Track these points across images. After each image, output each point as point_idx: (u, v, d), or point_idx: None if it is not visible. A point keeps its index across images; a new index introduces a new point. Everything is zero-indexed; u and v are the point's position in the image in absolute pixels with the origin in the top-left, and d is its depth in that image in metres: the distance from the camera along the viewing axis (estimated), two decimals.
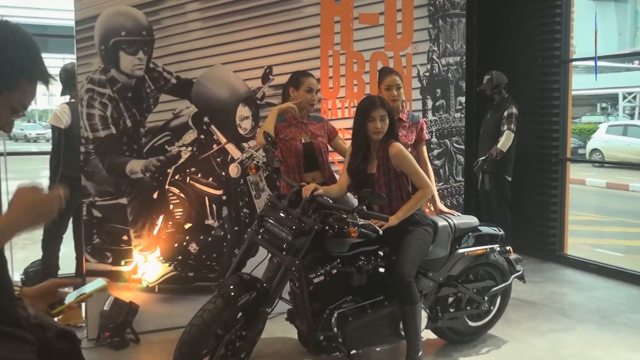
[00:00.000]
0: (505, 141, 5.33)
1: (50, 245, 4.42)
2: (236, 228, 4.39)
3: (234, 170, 4.35)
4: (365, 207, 3.12)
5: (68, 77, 4.43)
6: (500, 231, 4.01)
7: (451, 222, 3.73)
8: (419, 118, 4.20)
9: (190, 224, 4.30)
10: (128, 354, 3.88)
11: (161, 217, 4.20)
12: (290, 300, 3.50)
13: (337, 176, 3.93)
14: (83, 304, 3.84)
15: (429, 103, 5.16)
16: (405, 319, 3.38)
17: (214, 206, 4.33)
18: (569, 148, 6.28)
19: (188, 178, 4.26)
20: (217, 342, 3.05)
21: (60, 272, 4.60)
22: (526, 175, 6.16)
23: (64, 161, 4.29)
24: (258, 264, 3.37)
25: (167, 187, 4.20)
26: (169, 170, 4.18)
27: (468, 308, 3.87)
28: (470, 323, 3.96)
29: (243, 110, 4.37)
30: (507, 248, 4.00)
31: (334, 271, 3.28)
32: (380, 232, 3.29)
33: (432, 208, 4.12)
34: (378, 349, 3.66)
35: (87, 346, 3.89)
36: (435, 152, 5.24)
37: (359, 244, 3.35)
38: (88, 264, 4.06)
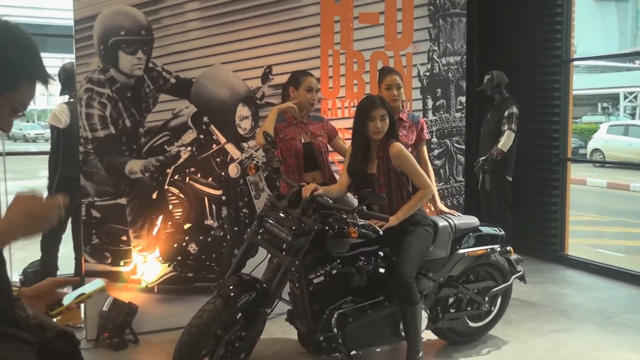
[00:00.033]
0: (505, 141, 5.31)
1: (49, 245, 4.41)
2: (236, 228, 4.38)
3: (233, 170, 4.33)
4: (365, 207, 3.11)
5: (67, 77, 4.41)
6: (500, 231, 4.00)
7: (452, 223, 3.72)
8: (419, 118, 4.18)
9: (190, 224, 4.28)
10: (127, 355, 3.86)
11: (160, 218, 4.19)
12: (290, 300, 3.49)
13: (337, 176, 3.91)
14: (82, 305, 3.83)
15: (430, 103, 5.15)
16: (405, 320, 3.37)
17: (213, 206, 4.32)
18: (569, 148, 6.27)
19: (187, 178, 4.25)
20: (217, 343, 3.04)
21: (59, 273, 4.58)
22: (527, 175, 6.15)
23: (62, 161, 4.28)
24: (258, 265, 3.36)
25: (166, 187, 4.18)
26: (168, 171, 4.17)
27: (468, 309, 3.86)
28: (471, 324, 3.95)
29: (242, 110, 4.36)
30: (508, 248, 3.99)
31: (334, 272, 3.27)
32: (381, 232, 3.28)
33: (432, 208, 4.10)
34: (378, 350, 3.65)
35: (86, 347, 3.88)
36: (436, 152, 5.23)
37: (359, 244, 3.34)
38: (87, 264, 4.05)
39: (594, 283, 5.51)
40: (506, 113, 5.37)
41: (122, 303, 3.96)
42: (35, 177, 12.40)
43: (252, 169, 3.63)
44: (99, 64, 3.93)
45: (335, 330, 3.27)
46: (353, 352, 3.36)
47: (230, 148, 4.33)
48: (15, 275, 4.59)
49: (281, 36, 4.41)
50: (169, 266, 4.24)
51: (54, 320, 1.69)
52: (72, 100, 4.41)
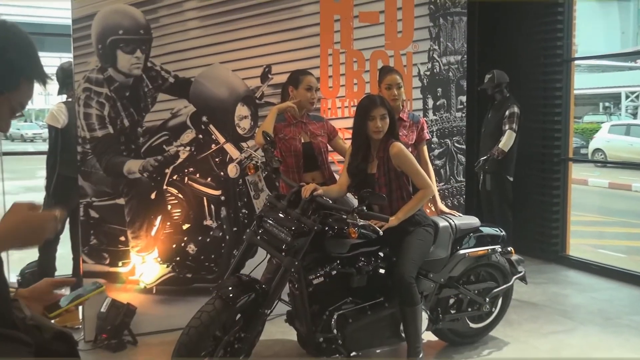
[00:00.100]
0: (506, 141, 5.29)
1: (47, 246, 4.38)
2: (235, 229, 4.36)
3: (232, 170, 4.31)
4: (365, 208, 3.09)
5: (65, 76, 4.40)
6: (501, 232, 3.98)
7: (452, 223, 3.70)
8: (419, 117, 4.16)
9: (189, 225, 4.26)
10: (125, 356, 3.85)
11: (159, 218, 4.17)
12: (289, 301, 3.47)
13: (336, 176, 3.89)
14: (80, 306, 3.81)
15: (430, 102, 5.13)
16: (405, 321, 3.35)
17: (212, 207, 4.30)
18: (571, 148, 6.24)
19: (186, 178, 4.23)
20: (216, 344, 3.02)
21: (57, 274, 4.55)
22: (528, 175, 6.12)
23: (60, 161, 4.26)
24: (257, 265, 3.34)
25: (165, 187, 4.17)
26: (166, 171, 4.15)
27: (469, 309, 3.84)
28: (472, 325, 3.93)
29: (242, 110, 4.34)
30: (509, 249, 3.97)
31: (334, 272, 3.25)
32: (381, 232, 3.26)
33: (432, 208, 4.08)
34: (378, 351, 3.62)
35: (84, 348, 3.86)
36: (436, 151, 5.20)
37: (359, 244, 3.32)
38: (85, 265, 4.03)
39: (595, 284, 5.49)
40: (507, 113, 5.35)
41: (120, 304, 3.93)
42: (33, 177, 12.41)
43: (251, 169, 3.60)
44: (97, 63, 3.92)
45: (335, 331, 3.26)
46: (353, 353, 3.34)
47: (230, 148, 4.31)
48: (12, 276, 4.58)
49: (280, 35, 4.39)
50: (167, 267, 4.22)
51: (52, 321, 1.68)
52: (70, 99, 4.39)
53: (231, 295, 2.99)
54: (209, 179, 4.29)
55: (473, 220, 3.88)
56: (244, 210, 4.39)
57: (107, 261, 4.09)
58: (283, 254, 3.11)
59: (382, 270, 3.39)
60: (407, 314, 3.32)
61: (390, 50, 4.86)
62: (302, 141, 3.80)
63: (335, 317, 3.26)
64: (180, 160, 4.18)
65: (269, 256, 3.30)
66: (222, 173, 4.31)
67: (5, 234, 1.32)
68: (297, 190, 3.29)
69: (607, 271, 5.73)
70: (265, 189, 4.41)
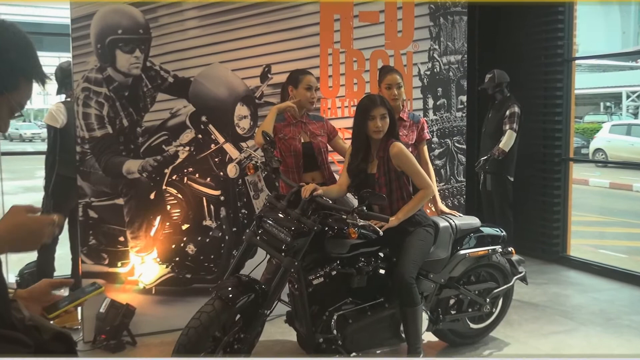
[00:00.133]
0: (507, 141, 5.28)
1: (46, 246, 4.37)
2: (234, 229, 4.34)
3: (232, 170, 4.30)
4: (365, 208, 3.08)
5: (64, 76, 4.39)
6: (502, 232, 3.97)
7: (452, 223, 3.68)
8: (419, 117, 4.14)
9: (188, 225, 4.25)
10: (124, 357, 3.83)
11: (158, 218, 4.16)
12: (289, 302, 3.46)
13: (336, 176, 3.88)
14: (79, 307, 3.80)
15: (430, 102, 5.11)
16: (406, 321, 3.34)
17: (211, 207, 4.29)
18: (571, 148, 6.22)
19: (185, 178, 4.21)
20: (215, 345, 3.01)
21: (55, 274, 4.55)
22: (528, 175, 6.11)
23: (59, 161, 4.25)
24: (257, 266, 3.33)
25: (164, 187, 4.15)
26: (166, 171, 4.14)
27: (470, 310, 3.83)
28: (472, 325, 3.92)
29: (241, 110, 4.33)
30: (509, 249, 3.96)
31: (334, 273, 3.24)
32: (381, 233, 3.24)
33: (433, 209, 4.06)
34: (378, 352, 3.61)
35: (83, 349, 3.85)
36: (437, 151, 5.19)
37: (359, 245, 3.31)
38: (84, 265, 4.02)
39: (596, 284, 5.47)
40: (507, 112, 5.33)
41: (119, 304, 3.92)
42: (32, 177, 12.38)
43: (250, 169, 3.58)
44: (96, 62, 3.90)
45: (334, 331, 3.25)
46: (353, 354, 3.32)
47: (229, 148, 4.30)
48: (11, 277, 4.57)
49: (280, 35, 4.38)
50: (166, 267, 4.21)
51: (51, 322, 1.67)
52: (69, 99, 4.39)
53: (231, 295, 2.98)
54: (208, 179, 4.28)
55: (473, 221, 3.87)
56: (243, 211, 4.37)
57: (106, 261, 4.07)
58: (283, 254, 3.10)
59: (382, 271, 3.37)
60: (407, 314, 3.31)
61: (391, 49, 4.84)
62: (302, 141, 3.78)
63: (335, 317, 3.25)
64: (179, 160, 4.17)
65: (268, 256, 3.29)
66: (221, 173, 4.30)
67: (2, 236, 1.31)
68: (297, 191, 3.27)
69: (608, 271, 5.71)
70: (264, 189, 4.40)
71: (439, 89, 5.15)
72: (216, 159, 4.28)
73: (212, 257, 4.31)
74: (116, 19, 3.93)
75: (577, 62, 6.41)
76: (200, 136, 4.21)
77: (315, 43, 4.55)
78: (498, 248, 3.86)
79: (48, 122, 4.36)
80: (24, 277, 4.53)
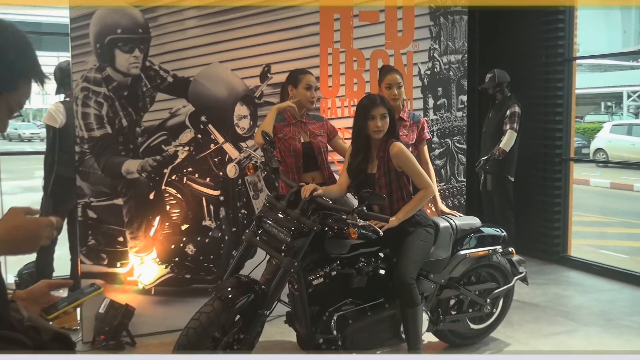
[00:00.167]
0: (507, 141, 5.26)
1: (45, 246, 4.36)
2: (234, 229, 4.33)
3: (231, 170, 4.29)
4: (365, 208, 3.07)
5: (63, 76, 4.38)
6: (502, 232, 3.96)
7: (453, 223, 3.67)
8: (420, 117, 4.13)
9: (187, 225, 4.24)
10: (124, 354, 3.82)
11: (157, 218, 4.14)
12: (289, 302, 3.44)
13: (336, 176, 3.87)
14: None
15: (430, 102, 5.10)
16: (406, 322, 3.32)
17: (211, 207, 4.28)
18: (572, 148, 6.21)
19: (185, 178, 4.20)
20: (215, 345, 3.00)
21: (55, 274, 4.54)
22: (529, 175, 6.10)
23: (58, 161, 4.24)
24: (256, 266, 3.31)
25: (163, 187, 4.14)
26: (165, 171, 4.13)
27: (470, 310, 3.82)
28: (472, 326, 3.91)
29: (241, 109, 4.31)
30: (510, 249, 3.95)
31: (334, 273, 3.23)
32: (381, 233, 3.23)
33: (433, 209, 4.05)
34: (378, 352, 3.60)
35: (82, 349, 3.83)
36: (437, 151, 5.18)
37: (359, 245, 3.29)
38: (83, 265, 4.01)
39: (597, 284, 5.46)
40: (508, 112, 5.32)
41: (118, 305, 3.91)
42: (30, 177, 12.38)
43: (250, 169, 3.57)
44: (95, 62, 3.89)
45: (334, 332, 3.23)
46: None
47: (229, 148, 4.29)
48: (10, 277, 4.56)
49: (280, 34, 4.37)
50: (166, 268, 4.19)
51: (50, 323, 1.67)
52: (68, 99, 4.37)
53: (230, 296, 2.97)
54: (207, 179, 4.27)
55: (474, 221, 3.85)
56: (243, 211, 4.36)
57: (105, 262, 4.06)
58: (282, 254, 3.09)
59: (382, 271, 3.36)
60: (407, 315, 3.30)
61: (391, 49, 4.83)
62: (302, 141, 3.77)
63: (335, 318, 3.23)
64: (179, 160, 4.16)
65: (268, 257, 3.28)
66: (221, 173, 4.29)
67: (0, 238, 1.30)
68: (297, 191, 3.26)
69: (609, 272, 5.69)
70: (264, 189, 4.39)
71: (439, 89, 5.14)
72: (216, 159, 4.27)
73: (211, 257, 4.30)
74: (115, 18, 3.92)
75: (577, 61, 6.39)
76: (199, 136, 4.20)
77: (315, 42, 4.54)
78: (498, 248, 3.85)
79: (47, 122, 4.35)
80: (23, 278, 4.52)
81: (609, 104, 26.55)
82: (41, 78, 1.40)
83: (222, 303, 2.95)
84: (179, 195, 4.19)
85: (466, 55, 5.27)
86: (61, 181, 4.22)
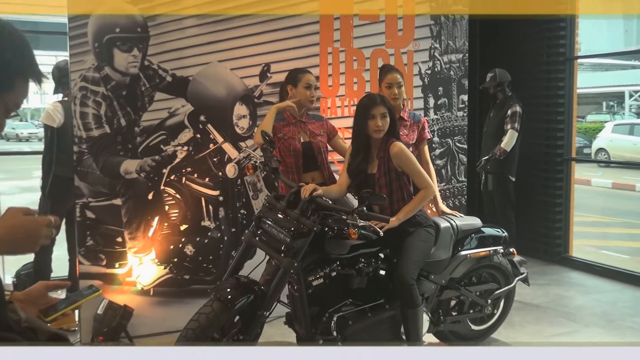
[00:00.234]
0: (508, 140, 5.24)
1: (43, 247, 4.34)
2: (233, 229, 4.31)
3: (231, 170, 4.27)
4: (365, 208, 3.04)
5: (61, 75, 4.36)
6: (503, 232, 3.94)
7: (453, 224, 3.65)
8: (420, 117, 4.11)
9: (186, 226, 4.22)
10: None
11: (156, 219, 4.12)
12: (288, 303, 3.42)
13: (336, 176, 3.84)
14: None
15: (431, 101, 5.08)
16: (406, 323, 3.30)
17: (210, 207, 4.26)
18: (574, 147, 6.19)
19: (184, 178, 4.18)
20: None
21: (53, 275, 4.53)
22: (530, 175, 6.07)
23: (56, 161, 4.22)
24: (256, 267, 3.29)
25: (162, 187, 4.12)
26: (164, 171, 4.11)
27: (471, 311, 3.80)
28: (473, 327, 3.89)
29: (240, 109, 4.30)
30: (511, 250, 3.93)
31: (334, 274, 3.21)
32: (381, 233, 3.21)
33: (433, 209, 4.03)
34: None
35: None
36: (437, 151, 5.15)
37: (359, 245, 3.27)
38: (81, 266, 3.99)
39: (598, 285, 5.43)
40: (509, 112, 5.30)
41: (117, 306, 3.88)
42: (28, 177, 12.36)
43: (249, 169, 3.55)
44: (93, 61, 3.87)
45: (334, 333, 3.21)
46: None
47: (228, 148, 4.27)
48: (8, 278, 4.54)
49: (279, 33, 4.35)
50: (165, 268, 4.17)
51: (48, 324, 1.66)
52: (66, 98, 4.36)
53: (229, 297, 2.95)
54: (207, 179, 4.25)
55: (475, 221, 3.83)
56: (242, 211, 4.34)
57: (104, 262, 4.04)
58: (282, 255, 3.07)
59: (382, 272, 3.34)
60: (408, 316, 3.28)
61: (391, 48, 4.81)
62: (302, 141, 3.75)
63: (335, 319, 3.21)
64: (177, 160, 4.14)
65: (267, 257, 3.26)
66: (220, 173, 4.27)
67: (0, 238, 1.30)
68: (297, 191, 3.24)
69: (611, 272, 5.67)
70: (264, 189, 4.37)
71: (440, 88, 5.12)
72: (215, 159, 4.25)
73: (210, 258, 4.28)
74: (114, 17, 3.90)
75: (579, 61, 6.36)
76: (198, 136, 4.18)
77: (314, 42, 4.52)
78: (499, 249, 3.83)
79: (45, 122, 4.33)
80: (21, 278, 4.50)
81: (610, 103, 26.53)
82: (38, 77, 1.39)
83: (221, 304, 2.93)
84: (177, 196, 4.17)
85: (467, 55, 5.24)
86: (59, 181, 4.20)
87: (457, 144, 5.27)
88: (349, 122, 3.76)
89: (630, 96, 24.26)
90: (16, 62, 1.33)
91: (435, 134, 5.10)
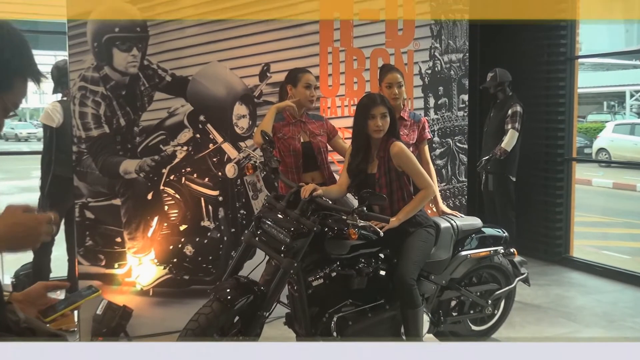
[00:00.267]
0: (509, 140, 5.22)
1: (42, 247, 4.32)
2: (233, 230, 4.30)
3: (230, 170, 4.26)
4: (365, 208, 3.04)
5: (60, 75, 4.35)
6: (504, 233, 3.93)
7: (454, 224, 3.64)
8: (420, 116, 4.10)
9: (186, 226, 4.21)
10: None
11: (156, 219, 4.12)
12: (288, 303, 3.41)
13: (336, 176, 3.83)
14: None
15: (431, 101, 5.07)
16: (406, 323, 3.30)
17: (210, 207, 4.25)
18: (574, 147, 6.18)
19: (183, 178, 4.17)
20: None
21: (52, 275, 4.52)
22: (531, 175, 6.06)
23: (55, 161, 4.21)
24: (255, 267, 3.29)
25: (161, 187, 4.11)
26: (163, 171, 4.10)
27: (471, 312, 3.79)
28: (474, 327, 3.88)
29: (240, 109, 4.29)
30: (511, 250, 3.91)
31: (334, 274, 3.20)
32: (381, 233, 3.20)
33: (434, 209, 4.02)
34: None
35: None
36: (438, 151, 5.14)
37: (359, 246, 3.26)
38: (80, 266, 3.98)
39: (599, 285, 5.42)
40: (510, 112, 5.28)
41: (116, 306, 3.87)
42: (27, 177, 12.35)
43: (249, 169, 3.55)
44: (92, 61, 3.87)
45: (334, 334, 3.20)
46: None
47: (227, 148, 4.26)
48: (7, 278, 4.54)
49: (279, 33, 4.33)
50: (164, 268, 4.16)
51: (47, 325, 1.65)
52: (65, 98, 4.35)
53: (229, 297, 2.94)
54: (206, 179, 4.24)
55: (475, 221, 3.82)
56: (242, 211, 4.33)
57: (103, 263, 4.03)
58: (282, 255, 3.06)
59: (382, 272, 3.33)
60: (408, 316, 3.27)
61: (391, 48, 4.80)
62: (302, 141, 3.74)
63: (335, 319, 3.20)
64: (177, 160, 4.13)
65: (267, 258, 3.25)
66: (220, 173, 4.26)
67: (0, 236, 1.30)
68: (296, 191, 3.23)
69: (611, 273, 5.66)
70: (263, 190, 4.36)
71: (440, 88, 5.10)
72: (214, 159, 4.24)
73: (210, 258, 4.27)
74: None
75: (580, 60, 6.35)
76: (198, 136, 4.17)
77: (314, 41, 4.51)
78: (500, 249, 3.82)
79: (44, 122, 4.32)
80: (20, 279, 4.50)
81: (611, 103, 26.52)
82: (37, 77, 1.39)
83: (220, 304, 2.93)
84: (177, 196, 4.16)
85: (467, 54, 5.23)
86: (58, 181, 4.19)
87: (458, 144, 5.26)
88: (349, 122, 3.75)
89: (631, 96, 24.26)
90: (15, 62, 1.33)
91: (436, 133, 5.09)
